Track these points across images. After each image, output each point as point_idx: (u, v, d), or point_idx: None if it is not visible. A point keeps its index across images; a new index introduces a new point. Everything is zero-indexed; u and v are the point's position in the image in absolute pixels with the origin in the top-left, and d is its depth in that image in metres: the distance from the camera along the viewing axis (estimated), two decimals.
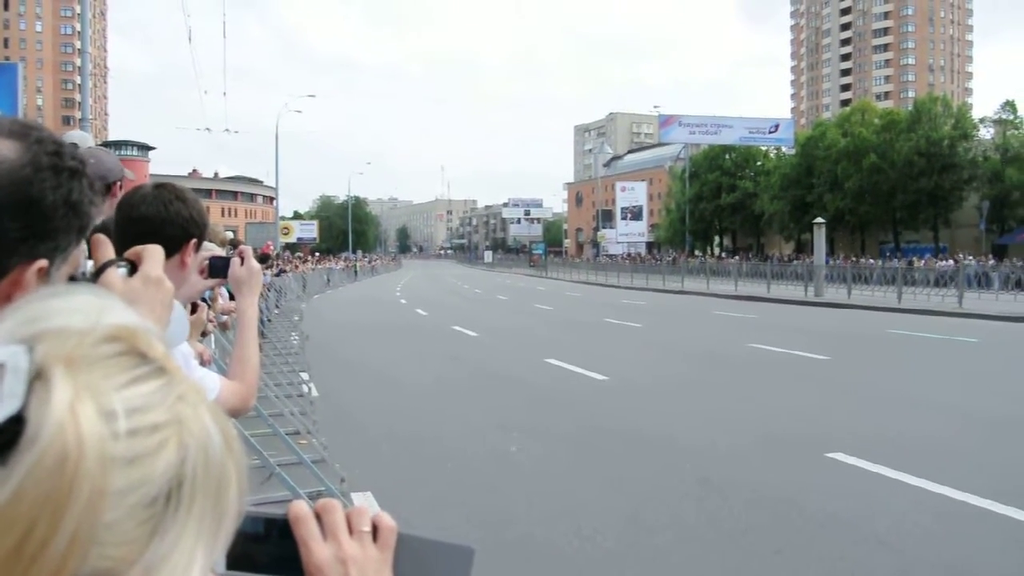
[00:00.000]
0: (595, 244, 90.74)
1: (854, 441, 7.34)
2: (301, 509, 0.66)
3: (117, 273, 1.16)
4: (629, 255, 75.55)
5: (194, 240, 1.79)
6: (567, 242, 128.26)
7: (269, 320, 14.59)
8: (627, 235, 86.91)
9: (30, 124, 0.90)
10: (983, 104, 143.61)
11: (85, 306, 0.46)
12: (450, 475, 6.55)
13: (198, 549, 0.45)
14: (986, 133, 57.08)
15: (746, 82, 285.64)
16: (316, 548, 0.64)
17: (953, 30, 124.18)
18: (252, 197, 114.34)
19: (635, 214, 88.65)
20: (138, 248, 1.19)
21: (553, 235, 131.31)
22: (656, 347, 15.95)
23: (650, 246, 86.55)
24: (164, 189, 1.80)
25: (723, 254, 70.32)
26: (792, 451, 7.24)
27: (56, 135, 0.92)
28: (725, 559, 4.73)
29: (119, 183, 3.04)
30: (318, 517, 0.66)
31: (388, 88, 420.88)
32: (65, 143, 0.91)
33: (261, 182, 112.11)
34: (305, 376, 10.20)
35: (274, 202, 69.18)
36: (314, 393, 9.58)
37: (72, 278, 0.97)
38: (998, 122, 55.91)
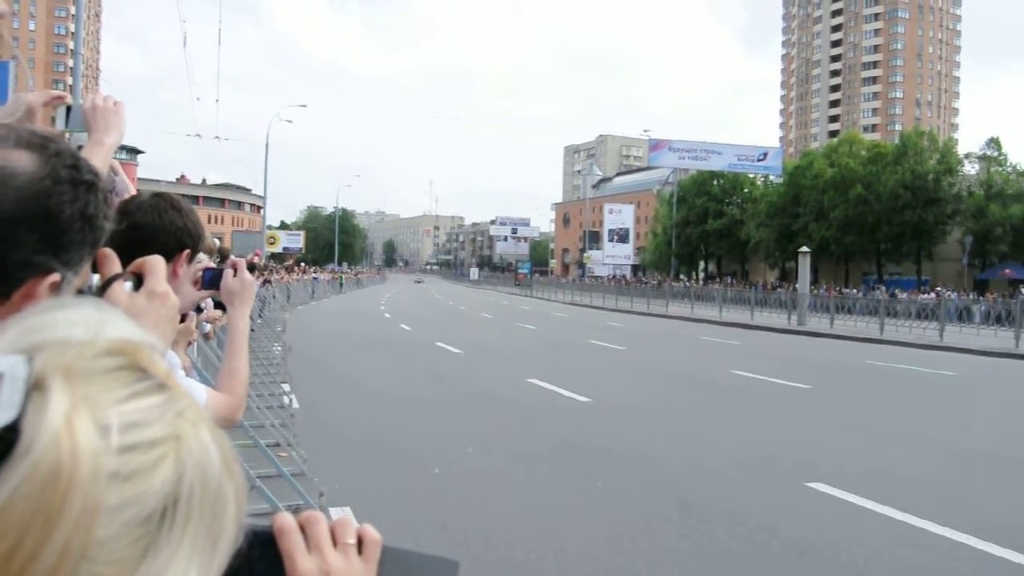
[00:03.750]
0: (581, 265, 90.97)
1: (834, 471, 7.36)
2: (286, 521, 0.65)
3: (123, 287, 1.15)
4: (615, 277, 75.73)
5: (187, 251, 1.78)
6: (553, 262, 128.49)
7: (252, 330, 14.50)
8: (613, 257, 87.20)
9: (48, 136, 0.89)
10: (968, 140, 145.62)
11: (86, 319, 0.46)
12: (430, 493, 6.51)
13: (191, 571, 0.44)
14: (971, 169, 57.72)
15: (738, 109, 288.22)
16: (300, 560, 0.64)
17: (941, 66, 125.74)
18: (239, 205, 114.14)
19: (622, 236, 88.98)
20: (141, 261, 1.18)
21: (539, 254, 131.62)
22: (639, 370, 15.97)
23: (636, 269, 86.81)
24: (160, 198, 1.79)
25: (708, 279, 70.62)
26: (772, 479, 7.25)
27: (73, 148, 0.91)
28: None
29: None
30: (303, 529, 0.65)
31: (380, 101, 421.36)
32: (82, 156, 0.90)
33: (249, 190, 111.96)
34: (287, 388, 10.14)
35: (261, 211, 69.01)
36: (295, 405, 9.52)
37: (80, 292, 0.95)
38: (983, 158, 56.57)
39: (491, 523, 5.75)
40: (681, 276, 71.66)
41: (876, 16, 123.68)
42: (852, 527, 5.83)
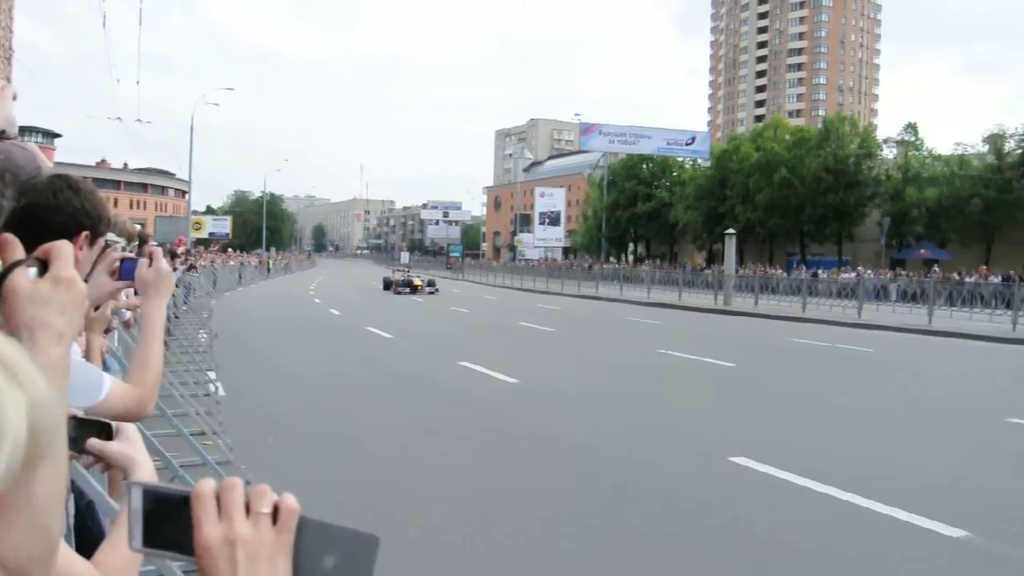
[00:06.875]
0: (512, 248, 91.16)
1: (756, 446, 7.55)
2: (203, 487, 0.65)
3: (26, 273, 1.12)
4: (546, 260, 76.09)
5: (86, 233, 1.72)
6: (485, 245, 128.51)
7: (176, 317, 14.19)
8: (544, 240, 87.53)
9: None
10: (887, 125, 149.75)
11: None
12: (360, 477, 6.48)
13: None
14: (889, 153, 59.44)
15: (671, 94, 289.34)
16: (207, 527, 0.63)
17: (862, 54, 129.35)
18: (163, 190, 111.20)
19: (553, 219, 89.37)
20: (48, 246, 1.14)
21: (471, 238, 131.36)
22: (569, 352, 16.11)
23: (567, 251, 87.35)
24: (57, 178, 1.74)
25: (637, 261, 71.49)
26: (698, 456, 7.40)
27: None
28: (632, 564, 4.80)
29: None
30: (219, 496, 0.65)
31: (311, 85, 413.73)
32: None
33: (173, 175, 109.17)
34: (212, 375, 9.94)
35: (186, 196, 67.44)
36: (221, 392, 9.35)
37: None
38: (900, 143, 58.29)
39: (423, 507, 5.75)
40: (611, 258, 72.38)
41: (801, 4, 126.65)
42: (774, 498, 6.01)
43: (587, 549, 5.01)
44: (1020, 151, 51.17)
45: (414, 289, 37.86)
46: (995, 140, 52.25)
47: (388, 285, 39.51)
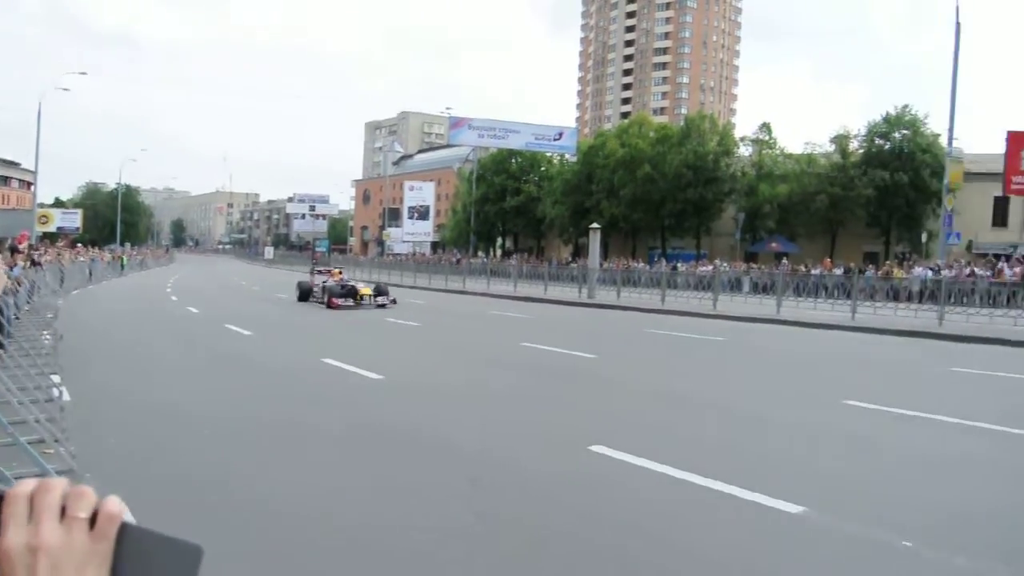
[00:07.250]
0: (380, 242, 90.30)
1: (615, 435, 7.79)
2: (18, 487, 0.60)
3: None
4: (414, 254, 75.81)
5: None
6: (352, 240, 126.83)
7: (17, 318, 13.39)
8: (413, 234, 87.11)
9: None
10: (745, 124, 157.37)
11: None
12: (209, 477, 6.30)
13: None
14: (745, 151, 62.27)
15: (541, 90, 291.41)
16: (10, 531, 0.58)
17: (723, 55, 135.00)
18: (6, 180, 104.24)
19: (422, 214, 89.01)
20: None
21: (338, 232, 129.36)
22: (434, 346, 16.15)
23: (435, 246, 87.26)
24: None
25: (505, 255, 72.18)
26: (557, 446, 7.57)
27: None
28: (489, 555, 4.87)
29: None
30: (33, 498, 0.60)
31: (171, 71, 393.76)
32: None
33: (19, 164, 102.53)
34: (56, 379, 9.45)
35: (32, 187, 63.55)
36: (66, 397, 8.90)
37: None
38: (755, 141, 61.23)
39: (276, 503, 5.65)
40: (479, 252, 72.79)
41: (667, 5, 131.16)
42: (630, 486, 6.22)
43: (444, 542, 5.06)
44: (862, 151, 54.75)
45: (357, 300, 25.29)
46: (841, 140, 55.81)
47: (306, 295, 27.41)
